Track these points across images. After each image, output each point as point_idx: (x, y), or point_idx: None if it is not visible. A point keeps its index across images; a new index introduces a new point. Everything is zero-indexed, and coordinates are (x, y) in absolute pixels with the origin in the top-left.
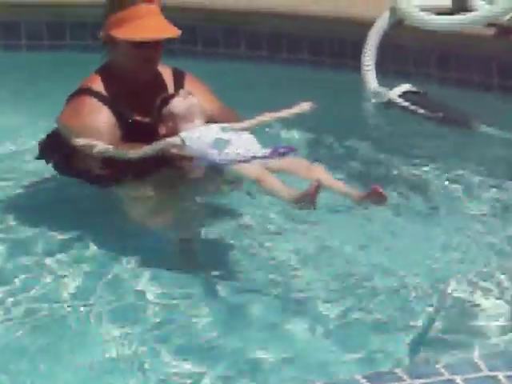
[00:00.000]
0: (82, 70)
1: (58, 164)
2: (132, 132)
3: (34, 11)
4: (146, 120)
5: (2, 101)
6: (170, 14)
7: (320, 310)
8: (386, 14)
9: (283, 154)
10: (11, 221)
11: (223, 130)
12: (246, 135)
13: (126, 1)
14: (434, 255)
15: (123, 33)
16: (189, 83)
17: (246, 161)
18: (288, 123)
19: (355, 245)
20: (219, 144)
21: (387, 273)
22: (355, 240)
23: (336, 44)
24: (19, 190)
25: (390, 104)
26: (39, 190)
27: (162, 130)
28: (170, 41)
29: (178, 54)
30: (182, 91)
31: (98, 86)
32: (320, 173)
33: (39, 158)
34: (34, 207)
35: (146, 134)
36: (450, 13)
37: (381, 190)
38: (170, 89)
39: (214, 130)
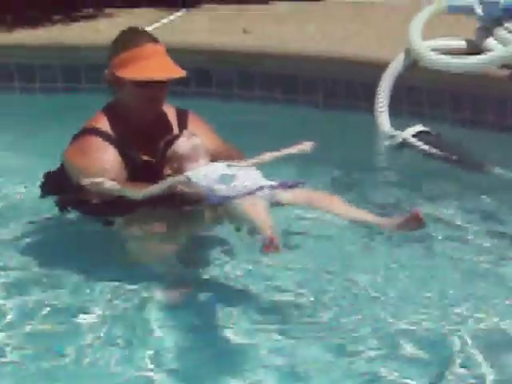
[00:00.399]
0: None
1: (62, 200)
2: (138, 171)
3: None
4: (152, 160)
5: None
6: (188, 56)
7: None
8: (401, 56)
9: (291, 186)
10: (14, 257)
11: (228, 166)
12: (252, 170)
13: (131, 41)
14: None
15: (129, 73)
16: (192, 122)
17: (253, 192)
18: (300, 164)
19: (367, 276)
20: (226, 179)
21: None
22: (364, 270)
23: (349, 85)
24: (23, 228)
25: (403, 144)
26: (44, 228)
27: (167, 170)
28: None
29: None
30: (185, 132)
31: (104, 125)
32: (340, 203)
33: (43, 195)
34: (36, 244)
35: (152, 173)
36: (465, 54)
37: (421, 215)
38: (175, 128)
39: (220, 167)
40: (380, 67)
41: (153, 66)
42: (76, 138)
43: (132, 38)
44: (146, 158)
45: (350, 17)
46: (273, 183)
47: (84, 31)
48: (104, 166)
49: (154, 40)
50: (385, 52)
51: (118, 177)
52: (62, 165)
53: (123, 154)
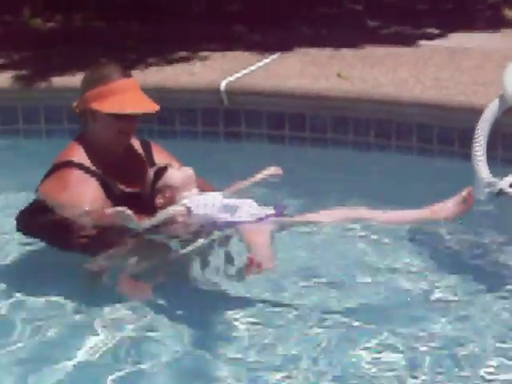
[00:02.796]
0: None
1: (39, 233)
2: (120, 202)
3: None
4: (130, 190)
5: None
6: (283, 100)
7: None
8: (496, 102)
9: (281, 213)
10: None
11: (224, 196)
12: (248, 199)
13: (105, 76)
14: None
15: (106, 106)
16: (156, 153)
17: (262, 219)
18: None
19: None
20: (229, 209)
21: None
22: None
23: (443, 131)
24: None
25: (500, 193)
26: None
27: (160, 200)
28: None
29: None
30: (173, 163)
31: (81, 157)
32: (379, 212)
33: (18, 230)
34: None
35: (134, 204)
36: None
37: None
38: (142, 159)
39: (217, 197)
40: (474, 113)
41: (128, 99)
42: (53, 172)
43: (106, 72)
44: (125, 188)
45: (442, 62)
46: (273, 212)
47: (178, 74)
48: (88, 198)
49: (128, 75)
50: (478, 98)
51: (102, 209)
52: (36, 201)
53: (104, 185)
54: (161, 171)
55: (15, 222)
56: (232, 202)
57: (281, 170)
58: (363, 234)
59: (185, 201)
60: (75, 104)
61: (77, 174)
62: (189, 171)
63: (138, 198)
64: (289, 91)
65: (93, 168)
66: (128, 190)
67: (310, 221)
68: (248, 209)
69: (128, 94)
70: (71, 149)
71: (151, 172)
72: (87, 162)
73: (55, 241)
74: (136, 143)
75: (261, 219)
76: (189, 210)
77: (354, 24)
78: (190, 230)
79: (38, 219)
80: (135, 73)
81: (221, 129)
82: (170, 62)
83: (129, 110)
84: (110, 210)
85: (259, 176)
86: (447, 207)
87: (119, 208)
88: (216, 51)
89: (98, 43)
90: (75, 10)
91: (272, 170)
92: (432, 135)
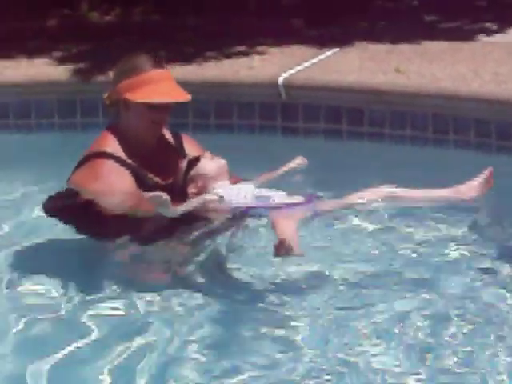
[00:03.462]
0: None
1: (68, 219)
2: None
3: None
4: (162, 181)
5: None
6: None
7: None
8: None
9: (312, 201)
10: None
11: (255, 186)
12: (279, 191)
13: (139, 67)
14: None
15: (141, 96)
16: (187, 145)
17: (293, 208)
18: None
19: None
20: (262, 199)
21: None
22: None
23: (501, 127)
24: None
25: None
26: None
27: (192, 189)
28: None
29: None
30: (206, 153)
31: (115, 148)
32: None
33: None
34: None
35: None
36: None
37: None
38: (173, 149)
39: (249, 188)
40: None
41: (162, 89)
42: (86, 162)
43: (139, 63)
44: (158, 179)
45: (501, 57)
46: (305, 200)
47: (236, 68)
48: (120, 188)
49: (160, 65)
50: None
51: (136, 200)
52: (69, 190)
53: (136, 176)
54: (194, 161)
55: (43, 206)
56: (264, 192)
57: (305, 160)
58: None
59: (217, 190)
60: (106, 95)
61: (110, 164)
62: (222, 161)
63: (170, 189)
64: (346, 86)
65: (125, 159)
66: (159, 181)
67: (344, 204)
68: (280, 199)
69: (161, 83)
70: (104, 140)
71: (184, 161)
72: (120, 153)
73: (84, 227)
74: (168, 135)
75: (293, 208)
76: (221, 198)
77: (411, 18)
78: (221, 219)
79: (67, 206)
80: (193, 67)
81: (278, 123)
82: (228, 56)
83: (161, 99)
84: (150, 194)
85: (287, 166)
86: (472, 187)
87: (157, 193)
88: (274, 45)
89: (156, 37)
90: (133, 4)
91: (298, 161)
92: (490, 130)
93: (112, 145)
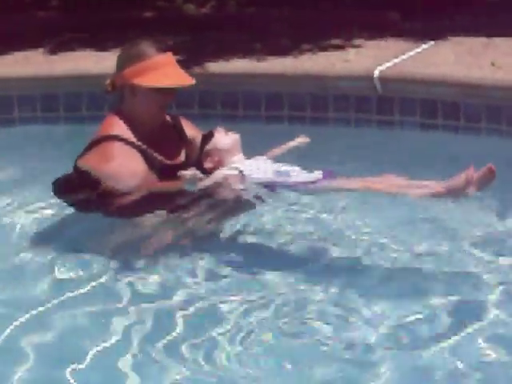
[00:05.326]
0: None
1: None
2: (160, 174)
3: None
4: (168, 161)
5: None
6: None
7: None
8: None
9: (331, 176)
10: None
11: (271, 162)
12: (294, 165)
13: (144, 53)
14: None
15: (148, 80)
16: (186, 126)
17: (316, 181)
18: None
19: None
20: (283, 173)
21: None
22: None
23: None
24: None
25: None
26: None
27: (208, 164)
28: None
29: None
30: (219, 129)
31: (123, 131)
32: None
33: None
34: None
35: (171, 175)
36: None
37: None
38: (174, 132)
39: (267, 162)
40: None
41: (169, 74)
42: (95, 145)
43: (143, 49)
44: (167, 161)
45: None
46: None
47: (332, 61)
48: (134, 170)
49: (163, 50)
50: None
51: (148, 180)
52: (78, 171)
53: (145, 158)
54: (208, 136)
55: (54, 187)
56: (282, 166)
57: (307, 138)
58: None
59: (236, 165)
60: (108, 81)
61: (120, 146)
62: (235, 136)
63: (176, 169)
64: (441, 79)
65: (134, 141)
66: (166, 161)
67: (362, 185)
68: (298, 173)
69: (168, 68)
70: (111, 124)
71: (199, 137)
72: (129, 135)
73: (97, 207)
74: (167, 117)
75: (315, 181)
76: (242, 173)
77: (506, 12)
78: (242, 194)
79: (79, 189)
80: (288, 59)
81: (374, 116)
82: (324, 49)
83: (170, 84)
84: (183, 172)
85: (291, 144)
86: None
87: (189, 170)
88: (369, 39)
89: (251, 29)
90: None
91: (300, 139)
92: None
93: (120, 128)
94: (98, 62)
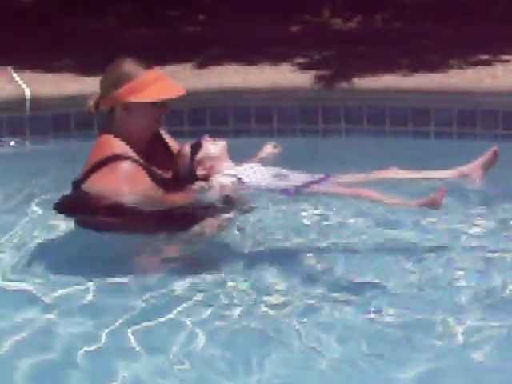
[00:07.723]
0: None
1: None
2: (163, 188)
3: None
4: (166, 176)
5: None
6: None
7: None
8: None
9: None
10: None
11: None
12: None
13: (132, 71)
14: None
15: (148, 96)
16: (166, 137)
17: (315, 182)
18: None
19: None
20: (280, 177)
21: None
22: None
23: None
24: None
25: None
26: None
27: (201, 172)
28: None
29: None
30: (205, 137)
31: (124, 150)
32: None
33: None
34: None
35: (170, 187)
36: None
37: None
38: (162, 144)
39: (260, 167)
40: None
41: (162, 87)
42: (102, 166)
43: (131, 68)
44: (166, 175)
45: None
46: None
47: (480, 76)
48: (149, 187)
49: (148, 66)
50: None
51: (158, 195)
52: (85, 193)
53: (149, 173)
54: (197, 146)
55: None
56: (277, 171)
57: (278, 147)
58: None
59: (231, 171)
60: (92, 103)
61: (129, 165)
62: (223, 142)
63: (170, 182)
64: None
65: (137, 159)
66: (164, 175)
67: (351, 193)
68: (296, 175)
69: (159, 82)
70: (110, 144)
71: (187, 147)
72: (132, 154)
73: (109, 226)
74: None
75: (316, 182)
76: (240, 180)
77: None
78: (245, 199)
79: (85, 210)
80: (436, 74)
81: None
82: (472, 65)
83: (170, 95)
84: (194, 186)
85: (263, 153)
86: (477, 167)
87: (201, 183)
88: None
89: (398, 44)
90: (375, 11)
91: (268, 150)
92: None
93: (121, 147)
94: (244, 79)
